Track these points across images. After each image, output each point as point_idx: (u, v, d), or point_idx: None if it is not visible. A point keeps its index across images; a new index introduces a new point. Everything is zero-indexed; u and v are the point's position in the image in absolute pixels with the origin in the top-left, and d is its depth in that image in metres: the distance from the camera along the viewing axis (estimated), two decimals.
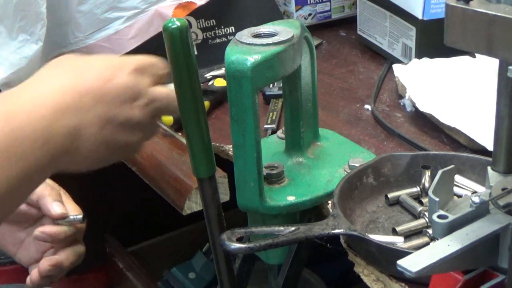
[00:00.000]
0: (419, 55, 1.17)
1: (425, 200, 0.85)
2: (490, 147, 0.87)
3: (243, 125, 0.81)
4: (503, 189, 0.65)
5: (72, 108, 0.71)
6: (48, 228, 0.90)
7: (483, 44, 0.61)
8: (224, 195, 0.93)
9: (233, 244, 0.75)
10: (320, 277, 1.44)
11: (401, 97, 1.11)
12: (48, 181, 0.92)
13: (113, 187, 1.61)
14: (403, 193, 0.87)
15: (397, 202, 0.87)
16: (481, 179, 0.82)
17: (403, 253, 0.64)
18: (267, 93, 1.14)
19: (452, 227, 0.62)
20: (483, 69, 1.07)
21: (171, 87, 0.80)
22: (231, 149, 0.86)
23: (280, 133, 0.98)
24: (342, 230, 0.76)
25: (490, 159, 0.71)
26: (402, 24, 1.20)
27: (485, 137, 0.92)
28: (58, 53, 1.21)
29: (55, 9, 1.17)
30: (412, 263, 0.59)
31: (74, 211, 0.92)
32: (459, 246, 0.60)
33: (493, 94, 0.68)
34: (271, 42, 0.82)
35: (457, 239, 0.61)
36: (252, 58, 0.79)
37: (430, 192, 0.69)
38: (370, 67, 1.27)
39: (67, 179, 1.58)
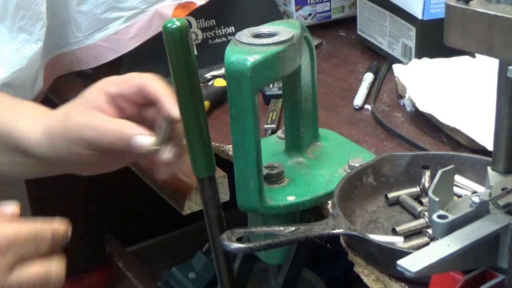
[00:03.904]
0: (419, 55, 1.17)
1: (425, 200, 0.85)
2: (490, 147, 0.87)
3: (243, 125, 0.80)
4: (503, 189, 0.65)
5: None
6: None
7: (483, 44, 0.61)
8: (224, 195, 0.93)
9: (233, 244, 0.75)
10: (320, 277, 1.44)
11: (401, 97, 1.11)
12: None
13: (113, 187, 1.61)
14: (403, 193, 0.87)
15: (397, 202, 0.87)
16: (481, 179, 0.82)
17: (403, 253, 0.64)
18: (267, 93, 1.14)
19: (452, 227, 0.62)
20: (483, 69, 1.07)
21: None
22: (231, 149, 0.86)
23: (280, 133, 0.98)
24: (342, 230, 0.76)
25: (490, 159, 0.71)
26: (402, 24, 1.20)
27: (485, 137, 0.92)
28: (58, 53, 1.21)
29: (55, 9, 1.17)
30: (412, 263, 0.59)
31: None
32: (459, 246, 0.60)
33: (493, 94, 0.68)
34: (271, 42, 0.82)
35: (457, 239, 0.61)
36: (252, 58, 0.79)
37: (430, 192, 0.69)
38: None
39: (66, 179, 1.59)
